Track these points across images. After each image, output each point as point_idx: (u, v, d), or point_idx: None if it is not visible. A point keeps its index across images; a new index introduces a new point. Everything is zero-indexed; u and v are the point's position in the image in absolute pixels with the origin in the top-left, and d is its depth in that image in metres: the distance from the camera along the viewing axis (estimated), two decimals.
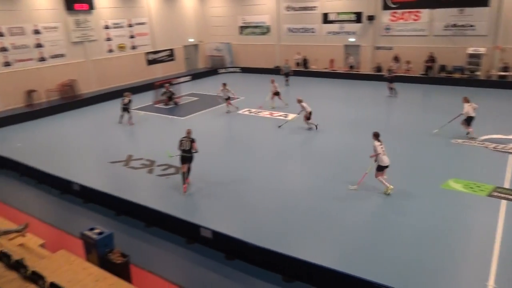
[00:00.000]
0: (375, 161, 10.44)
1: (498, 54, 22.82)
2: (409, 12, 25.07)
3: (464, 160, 12.75)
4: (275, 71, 28.56)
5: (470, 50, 23.26)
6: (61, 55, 23.52)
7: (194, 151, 10.98)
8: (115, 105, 20.02)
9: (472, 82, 22.84)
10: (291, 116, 17.69)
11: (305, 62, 29.57)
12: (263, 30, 31.41)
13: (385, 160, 10.30)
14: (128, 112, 17.98)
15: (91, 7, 24.28)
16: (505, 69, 22.59)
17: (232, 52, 32.68)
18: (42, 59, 22.64)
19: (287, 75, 25.25)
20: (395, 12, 25.58)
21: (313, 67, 29.28)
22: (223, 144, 15.86)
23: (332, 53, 28.59)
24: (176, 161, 11.70)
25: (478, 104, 14.46)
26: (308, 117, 16.05)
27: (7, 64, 21.09)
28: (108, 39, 26.11)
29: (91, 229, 7.35)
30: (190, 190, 11.20)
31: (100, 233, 7.21)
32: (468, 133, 14.29)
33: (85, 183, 11.02)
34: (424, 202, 10.06)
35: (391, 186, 10.45)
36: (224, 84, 19.41)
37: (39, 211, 10.58)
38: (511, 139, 13.80)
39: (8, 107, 21.13)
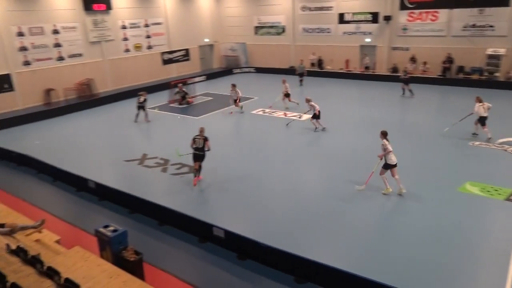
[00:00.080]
0: (381, 159, 10.41)
1: None
2: (427, 12, 24.72)
3: (482, 163, 12.48)
4: (290, 71, 28.48)
5: (489, 51, 22.81)
6: (79, 55, 23.91)
7: (206, 149, 11.24)
8: (130, 104, 20.25)
9: (491, 83, 22.37)
10: (305, 117, 17.63)
11: (320, 62, 29.41)
12: (279, 30, 31.36)
13: (394, 158, 10.23)
14: (144, 109, 18.25)
15: (109, 7, 24.63)
16: None
17: (247, 52, 32.72)
18: (61, 59, 23.05)
19: (301, 75, 25.17)
20: (412, 12, 25.26)
21: (328, 67, 29.10)
22: (236, 143, 15.89)
23: (348, 53, 28.37)
24: (190, 161, 11.80)
25: (493, 105, 14.16)
26: (317, 116, 15.93)
27: (27, 63, 21.54)
28: (125, 39, 26.43)
29: (106, 226, 7.45)
30: (201, 186, 11.36)
31: (114, 231, 7.30)
32: (489, 139, 13.96)
33: (100, 181, 11.18)
34: (440, 205, 9.89)
35: (390, 189, 10.43)
36: (234, 85, 19.48)
37: (55, 207, 10.75)
38: None
39: (27, 105, 21.59)
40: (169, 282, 7.54)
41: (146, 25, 27.66)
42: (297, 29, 30.43)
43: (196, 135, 11.35)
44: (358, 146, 14.17)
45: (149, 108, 19.07)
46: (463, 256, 7.92)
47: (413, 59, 25.41)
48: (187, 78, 26.66)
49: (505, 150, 13.13)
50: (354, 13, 27.51)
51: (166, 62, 29.30)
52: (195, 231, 9.01)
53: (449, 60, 24.04)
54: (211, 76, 30.05)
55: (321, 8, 28.87)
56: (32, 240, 7.93)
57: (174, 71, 29.72)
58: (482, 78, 23.13)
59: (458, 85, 23.14)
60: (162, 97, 23.14)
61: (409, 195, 10.34)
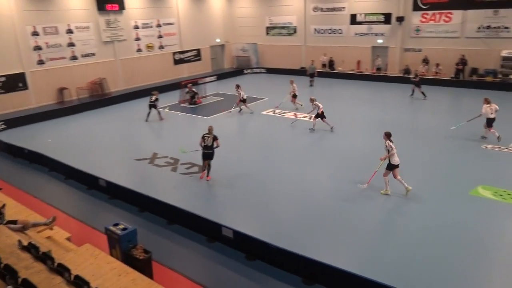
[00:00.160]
0: (384, 159, 10.38)
1: None
2: (440, 13, 24.44)
3: (494, 166, 12.28)
4: (301, 72, 28.40)
5: (504, 53, 22.45)
6: (92, 54, 24.17)
7: (216, 147, 11.43)
8: (142, 104, 20.40)
9: (505, 86, 22.00)
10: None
11: (331, 63, 29.27)
12: (290, 31, 31.30)
13: (397, 159, 10.25)
14: (156, 108, 18.42)
15: (122, 7, 24.86)
16: None
17: (258, 53, 32.72)
18: (74, 58, 23.33)
19: (311, 76, 25.08)
20: (425, 13, 24.99)
21: (339, 68, 28.94)
22: (245, 144, 15.88)
23: (359, 54, 28.19)
24: (200, 160, 11.87)
25: (507, 108, 13.99)
26: (320, 116, 15.88)
27: (41, 62, 21.84)
28: (137, 39, 26.65)
29: (116, 224, 7.52)
30: (210, 185, 11.43)
31: (124, 229, 7.36)
32: (498, 138, 13.82)
33: (111, 179, 11.28)
34: (452, 208, 9.76)
35: (389, 191, 10.43)
36: (238, 86, 19.50)
37: (66, 205, 10.87)
38: None
39: (41, 104, 21.90)
40: (177, 281, 7.57)
41: (158, 25, 27.84)
42: (308, 29, 30.33)
43: (205, 133, 11.52)
44: (366, 147, 14.06)
45: (161, 108, 19.19)
46: (475, 259, 7.79)
47: (425, 61, 25.13)
48: (198, 78, 26.77)
49: None
50: (366, 14, 27.33)
51: (178, 62, 29.46)
52: (204, 230, 9.04)
53: (463, 61, 23.70)
54: (222, 76, 30.12)
55: (333, 9, 28.74)
56: (43, 237, 8.04)
57: (186, 71, 29.87)
58: (496, 81, 22.78)
59: (471, 87, 22.79)
60: (173, 97, 23.26)
61: (420, 198, 10.23)
